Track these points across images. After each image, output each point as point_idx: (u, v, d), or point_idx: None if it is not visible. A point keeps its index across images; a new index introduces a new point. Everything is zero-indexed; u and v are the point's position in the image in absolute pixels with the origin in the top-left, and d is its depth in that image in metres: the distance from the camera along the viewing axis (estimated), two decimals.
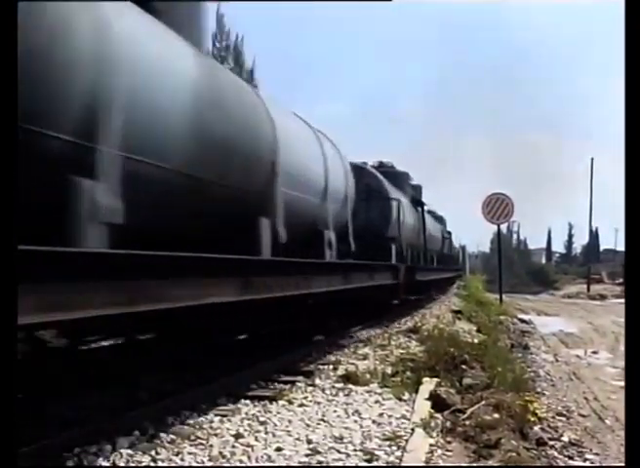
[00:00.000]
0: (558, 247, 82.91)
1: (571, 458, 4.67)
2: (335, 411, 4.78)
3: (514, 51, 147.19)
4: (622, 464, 4.44)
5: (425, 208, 17.58)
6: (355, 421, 4.51)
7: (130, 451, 3.66)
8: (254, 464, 3.58)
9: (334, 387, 5.63)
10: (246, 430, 4.19)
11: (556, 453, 4.67)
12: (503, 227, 38.62)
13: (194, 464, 3.54)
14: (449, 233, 28.49)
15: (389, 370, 6.37)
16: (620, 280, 45.31)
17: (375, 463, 3.61)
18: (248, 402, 4.98)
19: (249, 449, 3.78)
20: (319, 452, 3.76)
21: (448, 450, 3.96)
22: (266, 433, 4.15)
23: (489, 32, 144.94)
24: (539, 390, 7.03)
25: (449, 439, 4.18)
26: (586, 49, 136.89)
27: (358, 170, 10.72)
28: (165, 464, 3.53)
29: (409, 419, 4.53)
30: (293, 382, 5.75)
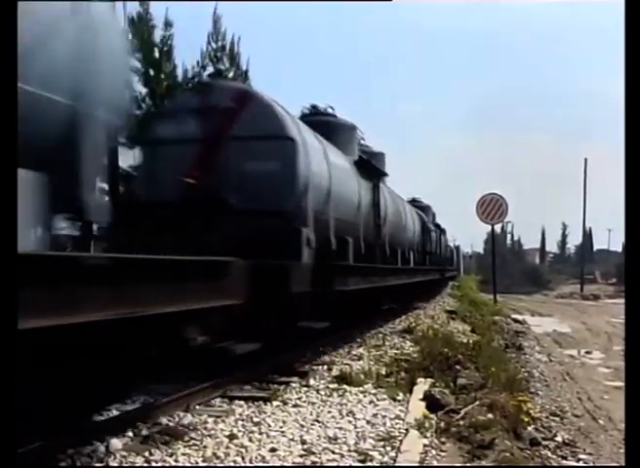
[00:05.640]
0: (552, 247, 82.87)
1: (564, 458, 4.68)
2: (329, 412, 4.78)
3: (515, 51, 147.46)
4: (618, 464, 4.47)
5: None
6: (349, 422, 4.51)
7: (123, 453, 3.66)
8: (248, 465, 3.57)
9: (328, 388, 5.63)
10: (240, 431, 4.19)
11: (550, 453, 4.68)
12: (497, 227, 38.77)
13: (187, 465, 3.54)
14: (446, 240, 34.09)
15: (384, 371, 6.37)
16: (614, 280, 45.51)
17: (369, 463, 3.61)
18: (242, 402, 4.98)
19: (243, 450, 3.78)
20: (313, 453, 3.76)
21: (442, 451, 3.96)
22: (260, 433, 4.15)
23: (490, 32, 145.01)
24: (532, 390, 7.05)
25: (443, 439, 4.19)
26: (587, 49, 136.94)
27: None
28: (159, 465, 3.52)
29: (403, 420, 4.53)
30: (287, 383, 5.74)
